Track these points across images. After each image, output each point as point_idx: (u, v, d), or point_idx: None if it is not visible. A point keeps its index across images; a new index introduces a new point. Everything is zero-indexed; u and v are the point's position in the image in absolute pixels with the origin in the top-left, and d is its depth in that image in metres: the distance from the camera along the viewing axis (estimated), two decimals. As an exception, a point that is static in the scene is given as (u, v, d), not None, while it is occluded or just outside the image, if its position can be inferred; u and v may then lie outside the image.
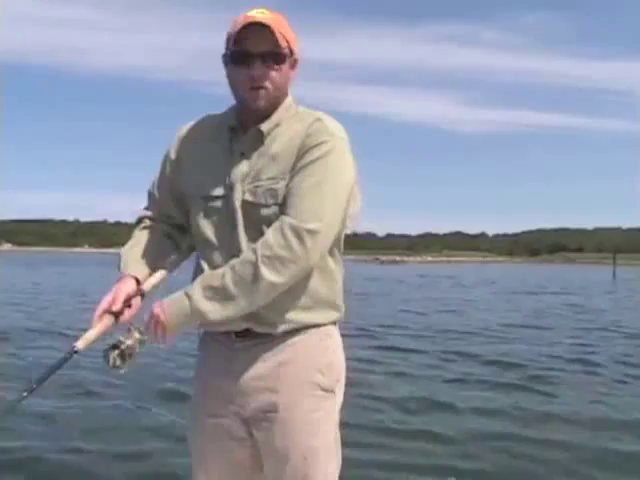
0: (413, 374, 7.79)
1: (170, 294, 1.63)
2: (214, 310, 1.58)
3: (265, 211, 1.66)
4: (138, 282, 1.71)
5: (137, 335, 1.61)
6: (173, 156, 1.84)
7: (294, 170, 1.65)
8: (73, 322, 10.75)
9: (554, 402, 6.42)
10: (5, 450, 4.43)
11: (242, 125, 1.74)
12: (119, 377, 6.42)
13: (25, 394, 1.50)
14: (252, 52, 1.65)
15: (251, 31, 1.63)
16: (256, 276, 1.57)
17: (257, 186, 1.68)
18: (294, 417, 1.70)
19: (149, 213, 1.89)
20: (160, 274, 1.77)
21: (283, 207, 1.63)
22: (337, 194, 1.66)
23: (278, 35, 1.64)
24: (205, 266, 1.71)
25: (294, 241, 1.57)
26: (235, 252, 1.65)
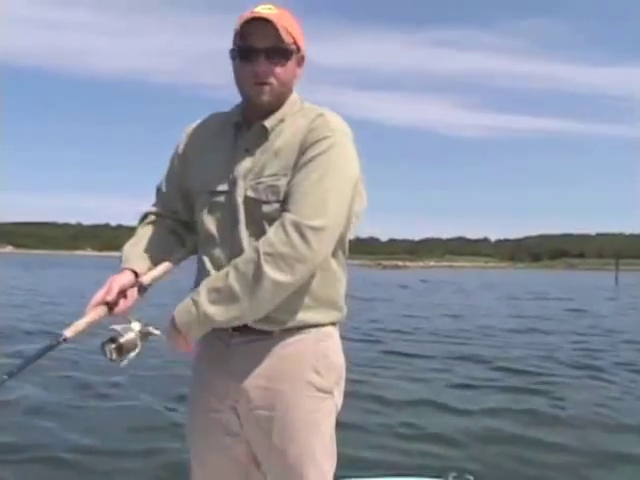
0: (417, 377, 7.79)
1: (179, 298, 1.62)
2: (220, 312, 1.56)
3: (266, 208, 1.65)
4: (137, 275, 1.70)
5: (137, 327, 1.58)
6: (181, 152, 1.85)
7: (296, 166, 1.64)
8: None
9: (559, 405, 6.41)
10: (23, 448, 4.52)
11: (247, 121, 1.73)
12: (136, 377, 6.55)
13: (6, 377, 1.47)
14: (256, 48, 1.64)
15: (255, 26, 1.63)
16: (259, 274, 1.54)
17: (259, 182, 1.66)
18: (290, 417, 1.68)
19: (154, 209, 1.89)
20: (163, 266, 1.75)
21: (285, 204, 1.62)
22: (341, 189, 1.63)
23: (282, 30, 1.63)
24: (207, 261, 1.70)
25: (296, 238, 1.55)
26: (236, 249, 1.64)
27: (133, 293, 1.66)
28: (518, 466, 4.52)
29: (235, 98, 1.78)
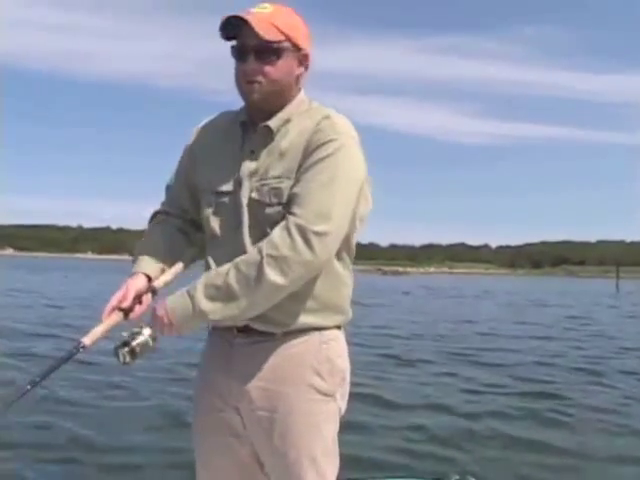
0: (423, 382, 7.84)
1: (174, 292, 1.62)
2: (216, 309, 1.56)
3: (269, 210, 1.64)
4: (150, 279, 1.70)
5: (148, 331, 1.59)
6: (190, 150, 1.85)
7: (301, 169, 1.63)
8: (73, 324, 10.79)
9: (560, 410, 6.42)
10: (41, 447, 4.61)
11: (252, 121, 1.72)
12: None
13: (29, 387, 1.50)
14: (246, 47, 1.64)
15: (243, 26, 1.61)
16: (260, 276, 1.54)
17: (263, 184, 1.66)
18: (292, 419, 1.67)
19: (164, 208, 1.90)
20: (174, 270, 1.76)
21: (289, 206, 1.60)
22: (346, 193, 1.62)
23: (264, 29, 1.60)
24: (211, 262, 1.70)
25: (300, 243, 1.54)
26: (238, 250, 1.63)
27: (147, 298, 1.67)
28: (520, 469, 4.54)
29: (240, 102, 1.77)
